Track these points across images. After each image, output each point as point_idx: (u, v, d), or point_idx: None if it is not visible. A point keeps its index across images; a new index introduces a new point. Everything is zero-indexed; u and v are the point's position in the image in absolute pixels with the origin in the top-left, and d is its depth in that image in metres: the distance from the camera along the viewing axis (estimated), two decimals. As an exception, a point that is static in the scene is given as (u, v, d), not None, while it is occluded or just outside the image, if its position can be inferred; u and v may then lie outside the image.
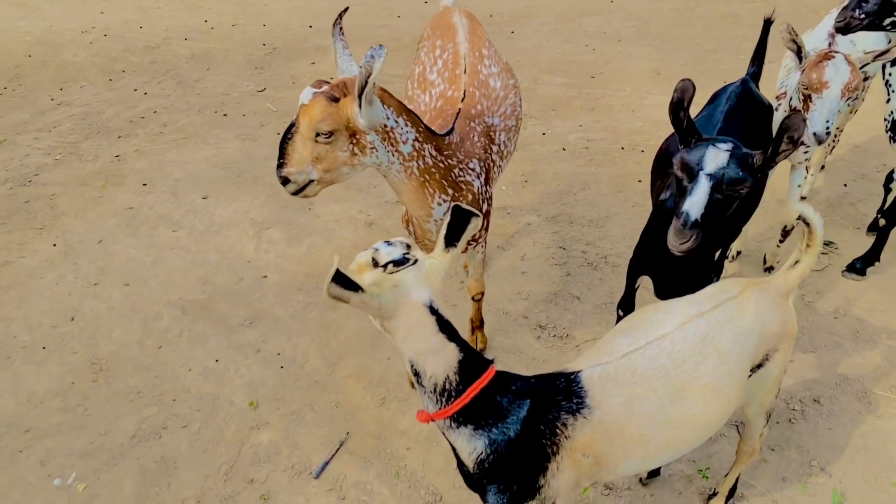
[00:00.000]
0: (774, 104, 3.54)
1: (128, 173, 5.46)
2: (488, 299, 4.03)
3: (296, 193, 2.46)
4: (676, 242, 2.30)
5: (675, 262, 2.84)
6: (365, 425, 3.36)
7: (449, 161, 2.75)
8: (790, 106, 3.40)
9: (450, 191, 2.76)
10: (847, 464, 3.07)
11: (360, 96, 2.27)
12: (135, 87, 6.95)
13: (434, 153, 2.65)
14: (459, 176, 2.82)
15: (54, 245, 4.64)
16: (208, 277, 4.32)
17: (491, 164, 3.07)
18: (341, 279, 1.65)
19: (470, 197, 2.88)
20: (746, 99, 3.04)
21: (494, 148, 3.10)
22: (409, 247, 1.90)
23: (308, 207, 4.95)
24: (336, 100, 2.32)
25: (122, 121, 6.30)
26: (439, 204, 2.75)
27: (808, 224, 2.26)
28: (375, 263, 1.83)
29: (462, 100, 3.04)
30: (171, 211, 4.97)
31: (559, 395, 2.00)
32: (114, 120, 6.32)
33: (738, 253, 4.26)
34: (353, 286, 1.68)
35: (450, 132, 2.85)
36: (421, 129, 2.57)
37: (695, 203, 2.28)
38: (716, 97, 3.14)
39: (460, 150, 2.85)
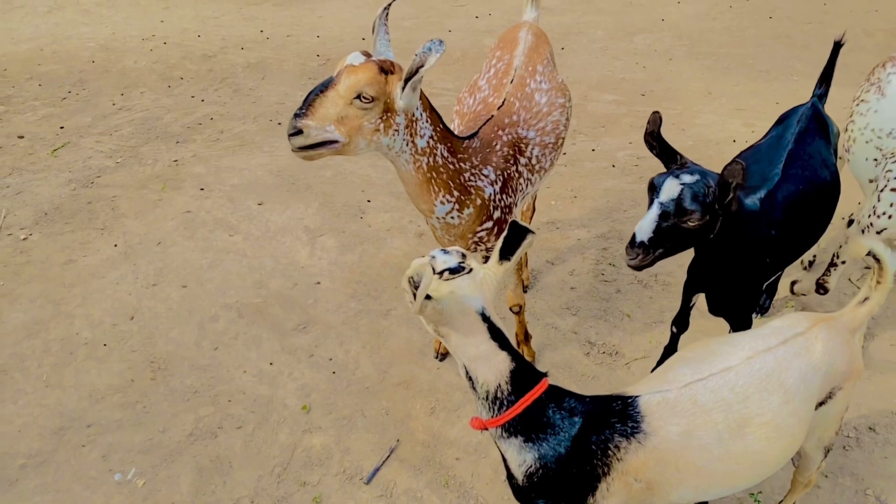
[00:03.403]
0: (881, 183, 3.16)
1: (186, 178, 5.61)
2: (537, 313, 4.05)
3: (300, 150, 2.40)
4: (626, 258, 2.43)
5: (728, 281, 2.86)
6: (415, 433, 3.41)
7: (461, 164, 2.80)
8: None
9: (455, 192, 2.81)
10: (904, 494, 3.02)
11: (406, 80, 2.36)
12: (192, 94, 7.14)
13: (446, 154, 2.71)
14: (469, 180, 2.86)
15: (115, 245, 4.79)
16: (263, 282, 4.42)
17: (515, 174, 3.09)
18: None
19: (479, 202, 2.91)
20: (816, 121, 3.04)
21: (522, 160, 3.13)
22: (464, 256, 1.97)
23: (360, 216, 5.04)
24: (386, 72, 2.40)
25: (180, 126, 6.48)
26: (442, 203, 2.80)
27: (878, 260, 2.21)
28: (432, 270, 1.90)
29: (499, 107, 3.10)
30: (228, 216, 5.10)
31: (614, 417, 2.01)
32: (172, 125, 6.50)
33: (794, 282, 4.19)
34: (426, 295, 1.75)
35: (471, 136, 2.91)
36: (438, 129, 2.64)
37: (643, 226, 2.37)
38: (785, 118, 3.14)
39: (476, 156, 2.89)
